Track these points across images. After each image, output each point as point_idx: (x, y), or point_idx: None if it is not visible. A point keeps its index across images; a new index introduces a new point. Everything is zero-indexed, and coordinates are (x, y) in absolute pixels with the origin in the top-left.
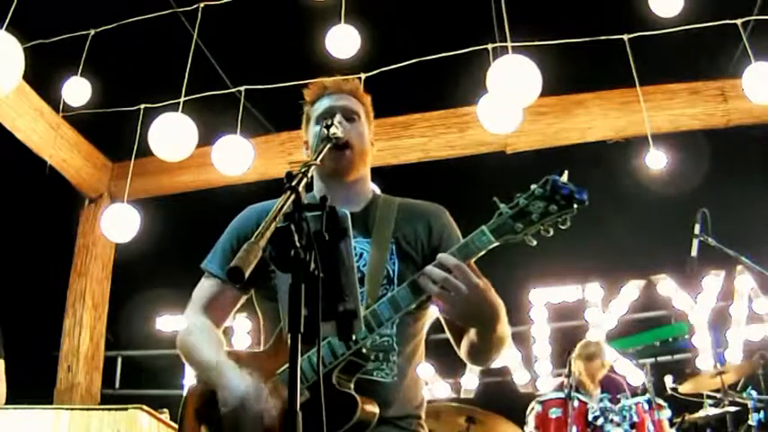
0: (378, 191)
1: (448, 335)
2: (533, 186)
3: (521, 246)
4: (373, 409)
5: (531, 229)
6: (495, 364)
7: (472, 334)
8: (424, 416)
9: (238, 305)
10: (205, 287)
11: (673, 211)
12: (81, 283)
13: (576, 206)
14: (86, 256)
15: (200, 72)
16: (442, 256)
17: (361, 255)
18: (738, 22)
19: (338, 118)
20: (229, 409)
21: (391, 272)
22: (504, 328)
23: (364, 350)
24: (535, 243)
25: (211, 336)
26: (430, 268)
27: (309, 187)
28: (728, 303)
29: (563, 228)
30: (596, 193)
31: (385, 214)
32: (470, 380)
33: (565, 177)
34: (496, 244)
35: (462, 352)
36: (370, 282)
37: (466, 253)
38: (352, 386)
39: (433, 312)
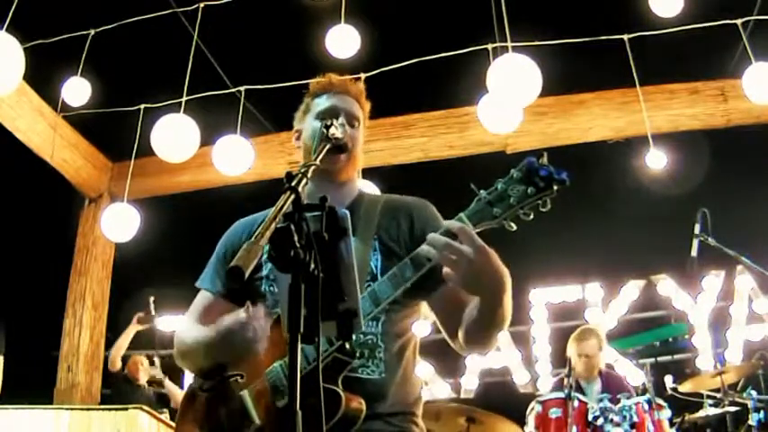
0: (377, 191)
1: (438, 324)
2: (512, 170)
3: (521, 246)
4: (359, 405)
5: (509, 213)
6: (496, 364)
7: (473, 309)
8: (419, 413)
9: None
10: (198, 302)
11: (673, 211)
12: (81, 283)
13: (555, 187)
14: (86, 256)
15: (201, 72)
16: (446, 222)
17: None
18: (738, 22)
19: (341, 120)
20: (237, 336)
21: (374, 268)
22: (509, 301)
23: (348, 346)
24: (515, 228)
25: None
26: (433, 235)
27: None
28: (728, 303)
29: (543, 210)
30: (596, 193)
31: (369, 211)
32: (470, 380)
33: (544, 159)
34: (475, 230)
35: (460, 333)
36: None
37: None
38: (339, 383)
39: (426, 313)
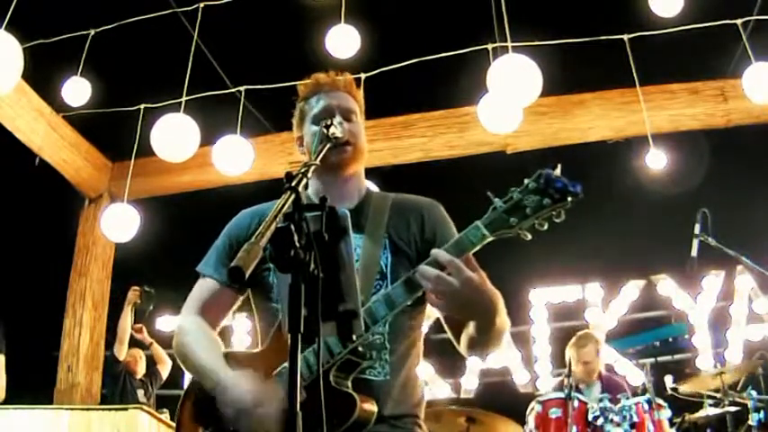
0: (376, 189)
1: (446, 330)
2: (527, 180)
3: (521, 246)
4: (372, 407)
5: (525, 223)
6: (496, 364)
7: (471, 328)
8: (422, 415)
9: (235, 306)
10: (200, 289)
11: (673, 211)
12: (81, 283)
13: (570, 199)
14: (86, 256)
15: (201, 72)
16: (435, 252)
17: (354, 250)
18: (738, 22)
19: (338, 119)
20: (231, 412)
21: (384, 267)
22: (503, 319)
23: (360, 348)
24: (530, 237)
25: (207, 337)
26: (423, 267)
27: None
28: (728, 303)
29: (557, 221)
30: (596, 194)
31: (378, 210)
32: (470, 380)
33: (558, 171)
34: (491, 239)
35: (462, 346)
36: (362, 277)
37: (460, 248)
38: (349, 385)
39: (429, 312)
